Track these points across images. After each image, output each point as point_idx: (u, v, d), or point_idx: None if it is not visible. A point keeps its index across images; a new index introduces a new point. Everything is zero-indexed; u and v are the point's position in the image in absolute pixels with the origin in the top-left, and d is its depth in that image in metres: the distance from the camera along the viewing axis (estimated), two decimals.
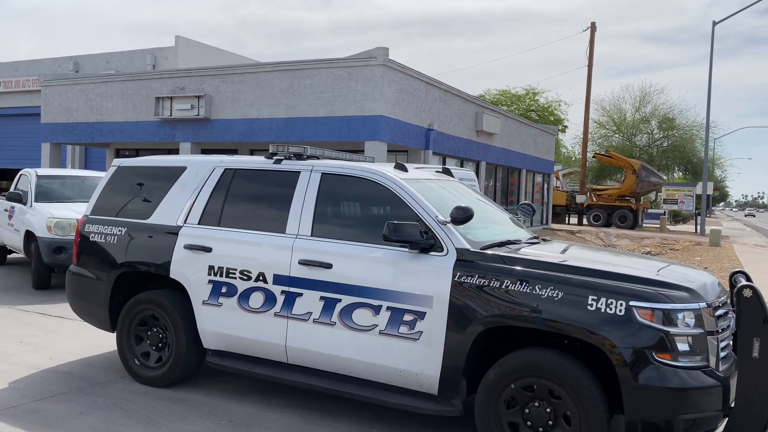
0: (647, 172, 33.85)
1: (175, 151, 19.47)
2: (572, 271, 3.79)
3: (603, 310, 3.54)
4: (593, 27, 34.74)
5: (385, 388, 4.20)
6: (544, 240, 4.96)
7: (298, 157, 4.91)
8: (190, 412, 4.57)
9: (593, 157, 41.38)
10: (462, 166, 20.42)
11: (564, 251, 4.49)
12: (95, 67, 27.24)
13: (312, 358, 4.42)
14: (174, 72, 19.41)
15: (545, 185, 30.88)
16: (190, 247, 4.89)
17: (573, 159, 53.46)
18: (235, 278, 4.68)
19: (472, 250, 4.03)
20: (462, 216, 3.99)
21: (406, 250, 4.14)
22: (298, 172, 4.75)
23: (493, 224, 4.92)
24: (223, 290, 4.72)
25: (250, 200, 4.90)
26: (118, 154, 22.64)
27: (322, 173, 4.67)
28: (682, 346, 3.48)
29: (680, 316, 3.51)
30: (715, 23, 28.03)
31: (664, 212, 39.57)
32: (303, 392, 5.05)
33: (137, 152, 21.95)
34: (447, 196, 4.75)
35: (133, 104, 19.41)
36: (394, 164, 4.81)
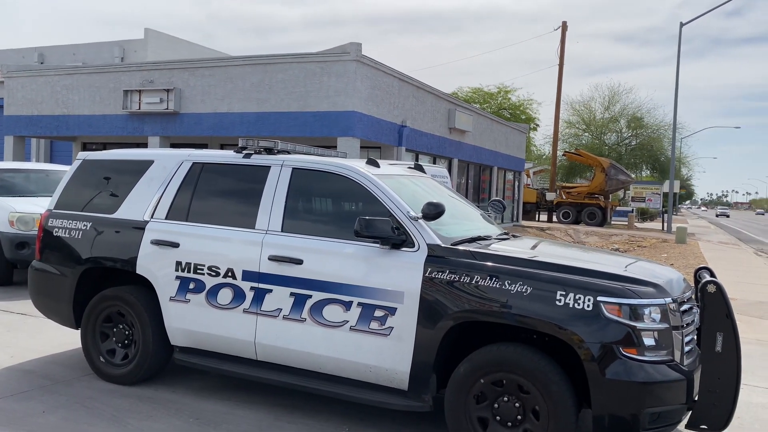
0: (616, 170, 34.39)
1: (144, 145, 19.14)
2: (541, 266, 3.81)
3: (571, 306, 3.57)
4: (564, 26, 35.13)
5: (355, 384, 4.17)
6: (514, 236, 4.99)
7: (269, 151, 4.85)
8: (156, 410, 4.49)
9: (563, 155, 41.92)
10: (435, 162, 20.49)
11: (534, 247, 4.52)
12: (61, 58, 26.63)
13: (282, 355, 4.38)
14: (143, 65, 19.08)
15: (516, 183, 31.16)
16: (157, 243, 4.81)
17: (544, 157, 54.05)
18: (203, 274, 4.60)
19: (443, 245, 4.02)
20: (433, 212, 3.99)
21: (378, 245, 4.12)
22: (269, 167, 4.68)
23: (464, 220, 4.92)
24: (191, 286, 4.65)
25: (219, 195, 4.83)
26: (85, 147, 22.18)
27: (293, 168, 4.61)
28: (648, 341, 3.51)
29: (646, 311, 3.55)
30: (682, 25, 28.57)
31: (632, 210, 40.29)
32: (272, 389, 5.00)
33: (104, 146, 21.52)
34: (419, 192, 4.74)
35: (100, 97, 19.01)
36: (366, 160, 4.78)
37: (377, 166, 4.69)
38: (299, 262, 4.30)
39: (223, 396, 4.84)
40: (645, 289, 3.65)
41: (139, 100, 18.18)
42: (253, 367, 4.50)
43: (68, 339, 6.13)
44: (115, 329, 5.04)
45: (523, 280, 3.72)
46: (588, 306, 3.54)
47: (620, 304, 3.53)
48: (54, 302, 5.30)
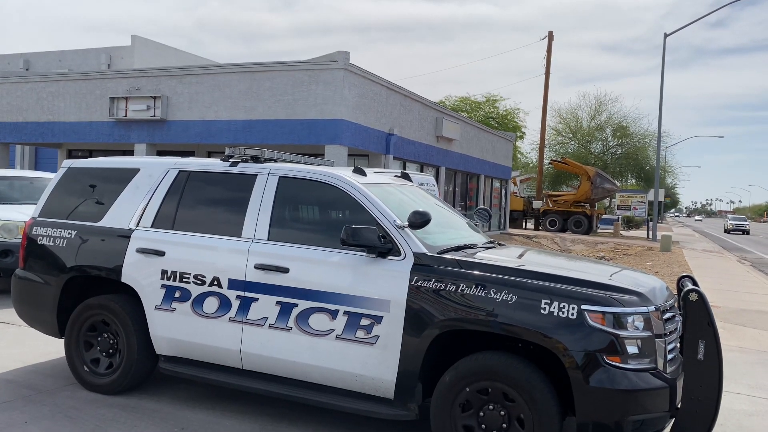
0: (602, 178, 34.67)
1: (130, 153, 19.05)
2: (526, 275, 3.82)
3: (556, 314, 3.58)
4: (551, 36, 35.45)
5: (341, 393, 4.15)
6: (499, 245, 5.01)
7: (255, 159, 4.85)
8: (140, 420, 4.45)
9: (550, 163, 42.21)
10: (422, 170, 20.54)
11: (520, 256, 4.54)
12: (47, 65, 26.47)
13: (267, 364, 4.35)
14: (130, 72, 19.01)
15: (503, 191, 31.32)
16: (142, 251, 4.78)
17: (530, 165, 54.36)
18: (189, 283, 4.57)
19: (429, 254, 4.03)
20: (419, 221, 4.00)
21: (364, 254, 4.12)
22: (255, 175, 4.68)
23: (450, 229, 4.94)
24: (177, 295, 4.62)
25: (205, 203, 4.81)
26: (71, 155, 22.02)
27: (280, 176, 4.61)
28: (632, 349, 3.53)
29: (630, 319, 3.57)
30: (666, 35, 28.93)
31: (618, 218, 40.57)
32: (257, 398, 4.98)
33: (90, 153, 21.38)
34: (405, 200, 4.76)
35: (86, 104, 18.91)
36: (352, 168, 4.79)
37: (364, 174, 4.70)
38: (285, 270, 4.29)
39: (209, 405, 4.82)
40: (628, 297, 3.67)
41: (126, 107, 18.11)
42: (239, 377, 4.48)
43: (51, 348, 6.07)
44: (99, 338, 5.00)
45: (508, 288, 3.73)
46: (572, 314, 3.56)
47: (604, 313, 3.55)
48: (38, 311, 5.24)
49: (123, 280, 4.82)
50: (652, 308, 3.69)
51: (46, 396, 4.86)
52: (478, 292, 3.77)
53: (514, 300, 3.69)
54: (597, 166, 42.44)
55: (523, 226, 37.23)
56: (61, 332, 5.18)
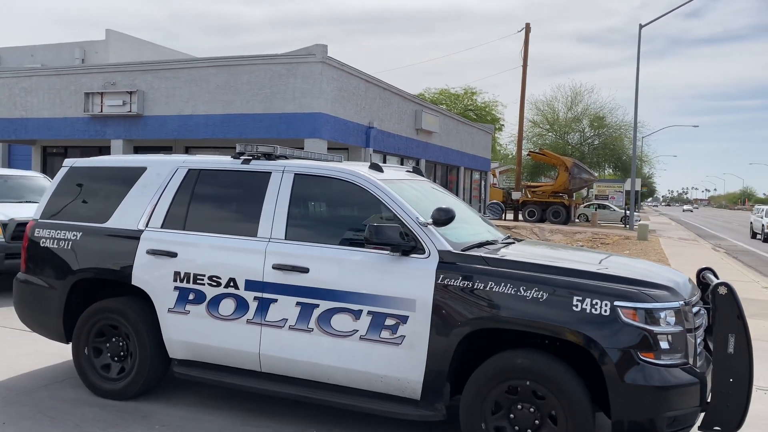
0: (579, 169, 34.98)
1: (107, 149, 18.83)
2: (556, 272, 3.78)
3: (588, 311, 3.55)
4: (528, 28, 35.61)
5: (364, 394, 4.09)
6: (516, 240, 4.93)
7: (268, 156, 4.70)
8: (121, 419, 4.45)
9: (528, 155, 42.47)
10: (402, 163, 20.61)
11: (543, 252, 4.50)
12: (19, 60, 25.98)
13: (288, 366, 4.26)
14: (105, 66, 18.77)
15: (482, 182, 31.52)
16: (153, 252, 4.64)
17: (509, 157, 54.71)
18: (204, 284, 4.45)
19: (454, 251, 3.96)
20: (444, 218, 3.92)
21: (386, 252, 4.04)
22: (269, 173, 4.56)
23: (466, 224, 4.80)
24: (191, 297, 4.49)
25: (217, 202, 4.69)
26: (45, 151, 21.71)
27: (295, 174, 4.50)
28: (664, 345, 3.51)
29: (662, 314, 3.54)
30: (641, 26, 29.23)
31: (596, 208, 40.99)
32: (237, 393, 4.98)
33: (66, 150, 21.09)
34: (419, 196, 4.66)
35: (60, 100, 18.63)
36: (368, 164, 4.69)
37: (381, 170, 4.57)
38: (305, 270, 4.20)
39: (188, 402, 4.82)
40: (659, 292, 3.64)
41: (101, 102, 17.89)
42: (257, 379, 4.38)
43: (30, 348, 6.02)
44: (108, 343, 4.85)
45: (539, 285, 3.68)
46: (605, 311, 3.52)
47: (636, 308, 3.52)
48: (42, 316, 5.08)
49: (133, 282, 4.68)
50: (682, 302, 3.66)
51: (25, 396, 4.83)
52: (508, 289, 3.72)
53: (544, 297, 3.64)
54: (574, 157, 42.81)
55: (503, 218, 37.50)
56: (67, 337, 5.05)
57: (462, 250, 4.01)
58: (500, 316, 3.73)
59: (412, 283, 3.94)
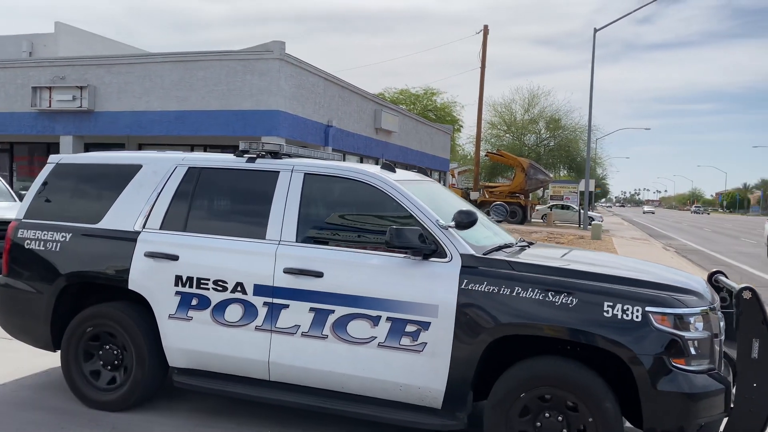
0: (535, 170, 35.57)
1: (56, 146, 18.21)
2: (584, 276, 3.69)
3: (620, 317, 3.46)
4: (486, 30, 36.00)
5: (381, 403, 3.94)
6: (530, 243, 4.83)
7: (274, 155, 4.50)
8: (69, 422, 4.27)
9: (486, 155, 42.97)
10: (361, 162, 20.57)
11: (564, 255, 4.39)
12: None
13: (300, 375, 4.08)
14: (54, 60, 18.16)
15: (442, 182, 31.72)
16: (152, 255, 4.38)
17: (467, 157, 55.25)
18: (208, 289, 4.23)
19: (477, 255, 3.85)
20: (466, 221, 3.80)
21: (405, 256, 3.91)
22: (277, 172, 4.36)
23: (480, 227, 4.58)
24: (194, 302, 4.26)
25: (221, 203, 4.49)
26: None
27: (305, 173, 4.31)
28: (693, 350, 3.45)
29: (692, 319, 3.49)
30: (596, 30, 29.89)
31: (551, 208, 41.75)
32: (189, 396, 4.83)
33: (12, 146, 20.31)
34: (433, 198, 4.49)
35: (6, 94, 17.95)
36: (380, 164, 4.53)
37: (393, 170, 4.42)
38: (319, 274, 4.01)
39: (140, 405, 4.66)
40: (688, 297, 3.59)
41: (50, 97, 17.32)
42: (265, 388, 4.18)
43: None
44: (101, 351, 4.57)
45: (567, 291, 3.58)
46: (637, 317, 3.45)
47: (667, 314, 3.45)
48: (27, 322, 4.77)
49: (130, 287, 4.42)
50: (709, 307, 3.62)
51: None
52: (536, 295, 3.61)
53: (574, 303, 3.54)
54: (531, 158, 43.52)
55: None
56: (55, 345, 4.75)
57: (483, 254, 3.90)
58: (528, 323, 3.61)
59: (435, 288, 3.80)
